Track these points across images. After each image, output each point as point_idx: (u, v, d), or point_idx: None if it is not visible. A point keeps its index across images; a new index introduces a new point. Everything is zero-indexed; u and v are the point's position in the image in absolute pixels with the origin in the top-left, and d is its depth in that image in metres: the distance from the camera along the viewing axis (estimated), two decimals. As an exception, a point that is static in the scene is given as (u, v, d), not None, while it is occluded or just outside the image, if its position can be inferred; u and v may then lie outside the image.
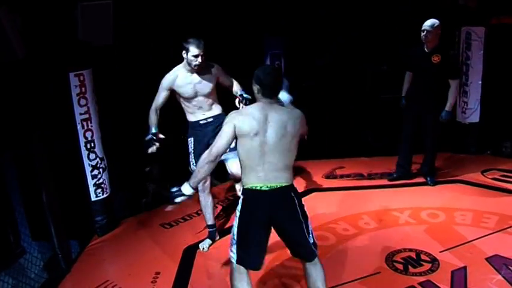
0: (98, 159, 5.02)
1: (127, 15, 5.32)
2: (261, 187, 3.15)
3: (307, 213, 3.29)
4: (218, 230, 4.92)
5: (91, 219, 5.13)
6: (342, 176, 6.23)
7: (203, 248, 4.72)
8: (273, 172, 3.15)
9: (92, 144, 4.96)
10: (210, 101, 4.41)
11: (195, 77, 4.28)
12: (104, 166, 5.10)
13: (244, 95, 4.22)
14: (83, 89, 4.79)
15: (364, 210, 5.17)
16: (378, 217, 5.00)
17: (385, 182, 5.96)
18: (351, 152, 6.80)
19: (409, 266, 4.11)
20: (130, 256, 4.72)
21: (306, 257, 3.31)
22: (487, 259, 4.10)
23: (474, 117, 6.68)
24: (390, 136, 6.52)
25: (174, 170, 5.54)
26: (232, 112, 3.31)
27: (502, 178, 5.82)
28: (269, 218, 3.18)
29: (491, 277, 3.87)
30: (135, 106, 5.97)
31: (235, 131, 3.16)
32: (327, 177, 6.21)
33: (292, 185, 3.25)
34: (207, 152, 3.26)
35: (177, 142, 5.22)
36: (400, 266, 4.12)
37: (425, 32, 5.25)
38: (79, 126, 4.85)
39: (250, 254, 3.24)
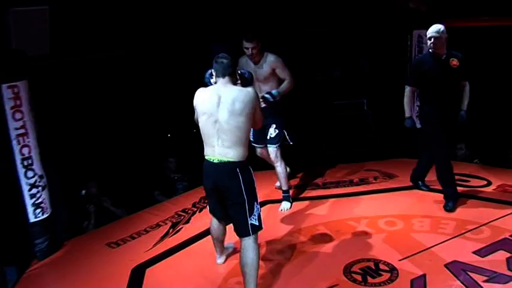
0: (36, 176, 4.85)
1: (65, 21, 5.20)
2: (212, 160, 3.69)
3: (256, 195, 3.76)
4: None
5: (30, 242, 4.93)
6: (295, 186, 6.19)
7: (282, 209, 5.45)
8: (223, 148, 3.63)
9: (30, 161, 4.79)
10: (267, 88, 5.22)
11: (253, 64, 5.19)
12: (43, 184, 4.93)
13: (266, 95, 4.98)
14: (18, 101, 4.63)
15: (319, 221, 5.17)
16: (334, 228, 4.99)
17: (340, 191, 5.98)
18: (304, 161, 6.79)
19: (368, 277, 4.13)
20: (75, 280, 4.56)
21: (239, 233, 3.79)
22: (446, 265, 4.16)
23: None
24: (344, 143, 6.57)
25: (112, 185, 5.47)
26: (199, 89, 3.84)
27: (458, 182, 5.75)
28: (215, 187, 3.75)
29: (451, 283, 3.94)
30: (75, 119, 5.88)
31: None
32: (279, 188, 6.10)
33: (241, 162, 3.67)
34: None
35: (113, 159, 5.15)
36: (359, 277, 4.13)
37: (432, 39, 5.03)
38: (14, 142, 4.67)
39: (209, 205, 4.08)
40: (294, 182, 6.34)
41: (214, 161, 3.68)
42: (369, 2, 6.62)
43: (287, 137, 5.49)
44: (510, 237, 4.52)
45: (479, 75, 7.15)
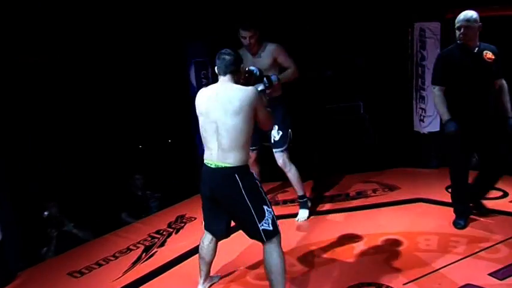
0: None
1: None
2: (210, 164, 3.74)
3: (265, 198, 3.79)
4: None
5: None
6: (285, 202, 6.13)
7: (299, 219, 5.48)
8: (221, 151, 3.67)
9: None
10: None
11: (251, 56, 5.18)
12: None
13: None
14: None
15: (312, 241, 5.06)
16: (328, 248, 4.89)
17: (335, 206, 5.90)
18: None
19: (369, 304, 4.02)
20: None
21: (255, 239, 3.83)
22: (458, 290, 4.07)
23: (434, 125, 6.74)
24: (338, 152, 6.49)
25: (75, 205, 5.35)
26: (202, 89, 3.92)
27: None
28: (212, 195, 3.78)
29: (464, 311, 3.83)
30: (31, 130, 5.81)
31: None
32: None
33: (239, 167, 3.68)
34: None
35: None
36: (358, 305, 4.03)
37: (462, 29, 4.70)
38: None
39: (205, 219, 4.04)
40: (282, 197, 6.30)
41: (211, 166, 3.73)
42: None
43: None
44: None
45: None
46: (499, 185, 5.93)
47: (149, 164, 6.97)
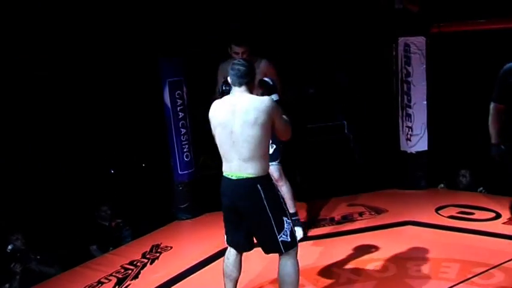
0: None
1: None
2: (230, 176, 3.80)
3: (285, 209, 3.87)
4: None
5: None
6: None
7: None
8: (240, 162, 3.75)
9: None
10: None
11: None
12: None
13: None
14: None
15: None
16: (312, 276, 4.81)
17: (319, 231, 5.83)
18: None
19: (357, 337, 3.95)
20: None
21: (272, 251, 3.91)
22: (451, 319, 4.01)
23: (421, 144, 6.73)
24: (322, 174, 6.44)
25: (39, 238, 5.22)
26: (214, 102, 3.97)
27: (460, 215, 5.86)
28: (234, 206, 3.84)
29: None
30: None
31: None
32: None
33: (261, 177, 3.76)
34: None
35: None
36: (346, 339, 3.95)
37: None
38: None
39: (227, 233, 4.07)
40: None
41: (232, 178, 3.80)
42: (346, 4, 6.54)
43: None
44: None
45: (480, 88, 7.12)
46: (491, 206, 5.97)
47: (121, 190, 6.86)
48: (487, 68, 6.99)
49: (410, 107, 6.62)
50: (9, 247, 5.72)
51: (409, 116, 6.65)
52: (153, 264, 5.48)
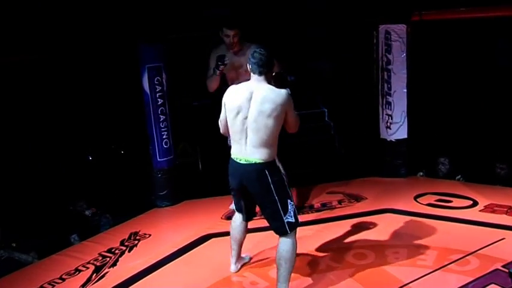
0: None
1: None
2: (240, 160, 4.09)
3: (289, 192, 4.16)
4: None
5: None
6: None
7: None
8: (251, 148, 4.02)
9: None
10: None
11: (232, 55, 5.40)
12: None
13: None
14: None
15: (273, 256, 4.72)
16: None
17: (299, 219, 5.79)
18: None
19: (334, 324, 3.98)
20: None
21: (276, 231, 4.20)
22: (427, 305, 4.06)
23: (401, 132, 6.77)
24: (301, 162, 6.45)
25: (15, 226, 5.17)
26: (231, 86, 4.24)
27: (438, 203, 5.93)
28: (243, 187, 4.17)
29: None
30: None
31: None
32: (228, 217, 5.94)
33: (269, 163, 4.05)
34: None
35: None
36: (323, 325, 3.99)
37: None
38: None
39: (235, 203, 4.55)
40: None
41: (242, 162, 4.08)
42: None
43: None
44: (502, 268, 4.44)
45: (460, 77, 7.21)
46: (468, 194, 6.05)
47: (100, 177, 6.81)
48: (466, 57, 7.10)
49: (390, 95, 6.65)
50: None
51: (389, 103, 6.67)
52: (132, 251, 5.45)
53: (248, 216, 4.56)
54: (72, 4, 6.13)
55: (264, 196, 4.11)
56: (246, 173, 4.10)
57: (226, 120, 4.16)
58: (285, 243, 4.16)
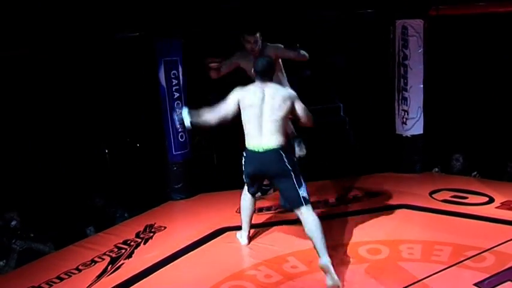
0: None
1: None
2: (257, 149, 4.59)
3: (298, 170, 4.62)
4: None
5: None
6: (260, 210, 6.04)
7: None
8: (268, 137, 4.57)
9: None
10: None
11: (253, 57, 5.47)
12: None
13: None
14: None
15: (289, 251, 5.02)
16: (306, 258, 4.82)
17: (314, 214, 5.77)
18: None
19: (349, 318, 3.99)
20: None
21: (292, 204, 4.66)
22: (442, 301, 4.05)
23: (417, 128, 6.77)
24: (317, 156, 6.44)
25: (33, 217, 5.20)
26: (237, 87, 4.74)
27: (453, 199, 5.91)
28: (261, 172, 4.75)
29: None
30: None
31: (238, 104, 4.67)
32: None
33: (282, 147, 4.60)
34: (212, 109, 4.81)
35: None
36: (338, 319, 4.00)
37: None
38: None
39: (247, 183, 5.02)
40: (259, 204, 6.12)
41: (260, 151, 4.59)
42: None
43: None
44: None
45: (477, 73, 7.16)
46: (484, 191, 6.01)
47: (116, 170, 6.85)
48: (484, 52, 7.04)
49: (406, 90, 6.63)
50: (13, 223, 5.78)
51: (405, 99, 6.66)
52: (147, 243, 5.50)
53: (253, 193, 5.12)
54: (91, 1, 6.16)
55: (283, 176, 4.59)
56: (266, 159, 4.60)
57: (224, 113, 4.74)
58: (307, 218, 4.57)
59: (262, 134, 4.62)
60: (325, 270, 4.33)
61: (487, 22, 6.86)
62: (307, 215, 4.58)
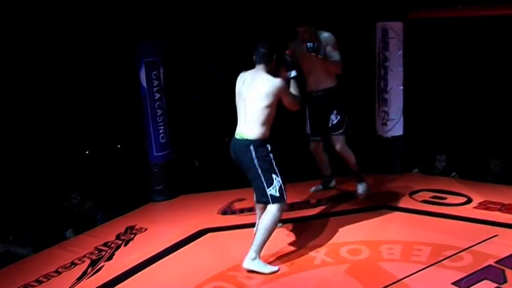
0: None
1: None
2: (237, 135, 4.69)
3: (276, 169, 4.60)
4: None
5: None
6: (241, 211, 6.08)
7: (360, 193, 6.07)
8: (245, 126, 4.64)
9: None
10: (320, 69, 5.68)
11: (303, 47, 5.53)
12: None
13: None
14: None
15: (270, 252, 4.96)
16: (287, 259, 4.86)
17: (295, 214, 5.84)
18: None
19: (329, 318, 4.01)
20: None
21: (259, 199, 4.76)
22: (421, 300, 4.07)
23: (397, 129, 6.79)
24: (297, 158, 6.46)
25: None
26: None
27: (433, 200, 5.95)
28: (236, 160, 4.76)
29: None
30: None
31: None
32: (224, 212, 6.06)
33: (255, 140, 4.59)
34: None
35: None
36: (318, 319, 4.01)
37: None
38: None
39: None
40: (238, 205, 6.26)
41: (236, 137, 4.69)
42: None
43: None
44: (495, 264, 4.46)
45: (456, 74, 7.24)
46: (463, 191, 6.08)
47: (96, 171, 6.82)
48: (462, 55, 7.13)
49: (386, 91, 6.66)
50: None
51: (385, 100, 6.69)
52: (128, 245, 5.48)
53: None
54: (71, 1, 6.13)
55: (249, 168, 4.66)
56: (237, 146, 4.69)
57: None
58: (266, 214, 4.64)
59: (245, 122, 4.65)
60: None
61: (465, 25, 6.94)
62: (267, 212, 4.63)
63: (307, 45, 5.35)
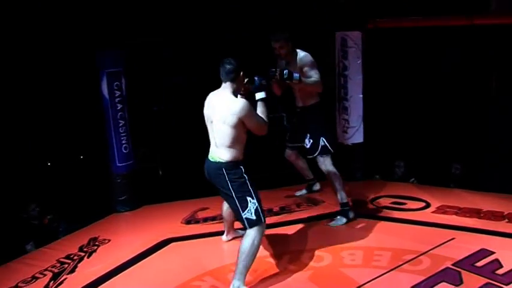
0: None
1: None
2: (210, 157, 4.54)
3: (251, 190, 4.40)
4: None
5: None
6: (205, 220, 6.08)
7: (332, 225, 5.67)
8: (215, 148, 4.48)
9: None
10: (300, 92, 5.72)
11: (283, 63, 5.62)
12: None
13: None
14: None
15: (231, 260, 4.82)
16: (252, 268, 4.68)
17: None
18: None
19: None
20: None
21: (241, 224, 4.52)
22: (381, 305, 4.11)
23: (357, 137, 6.91)
24: (261, 166, 6.49)
25: None
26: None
27: (393, 206, 6.05)
28: (210, 181, 4.59)
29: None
30: None
31: None
32: (187, 222, 6.05)
33: (227, 162, 4.42)
34: None
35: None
36: (281, 326, 4.00)
37: None
38: None
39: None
40: (201, 214, 6.26)
41: (210, 158, 4.53)
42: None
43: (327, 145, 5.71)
44: (452, 267, 4.55)
45: (413, 82, 7.37)
46: (421, 196, 6.18)
47: (58, 182, 6.73)
48: (420, 63, 7.27)
49: (346, 99, 6.76)
50: None
51: (345, 108, 6.79)
52: (91, 257, 5.42)
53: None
54: (32, 8, 6.05)
55: (224, 192, 4.49)
56: (210, 169, 4.52)
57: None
58: (245, 238, 4.40)
59: (215, 144, 4.45)
60: None
61: (421, 35, 7.06)
62: (246, 238, 4.39)
63: (282, 72, 5.26)
